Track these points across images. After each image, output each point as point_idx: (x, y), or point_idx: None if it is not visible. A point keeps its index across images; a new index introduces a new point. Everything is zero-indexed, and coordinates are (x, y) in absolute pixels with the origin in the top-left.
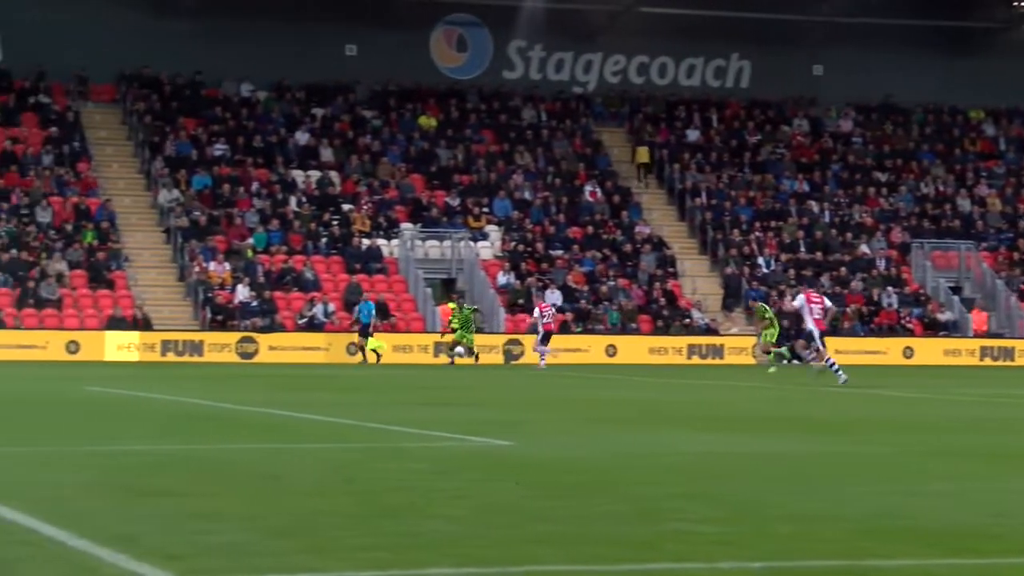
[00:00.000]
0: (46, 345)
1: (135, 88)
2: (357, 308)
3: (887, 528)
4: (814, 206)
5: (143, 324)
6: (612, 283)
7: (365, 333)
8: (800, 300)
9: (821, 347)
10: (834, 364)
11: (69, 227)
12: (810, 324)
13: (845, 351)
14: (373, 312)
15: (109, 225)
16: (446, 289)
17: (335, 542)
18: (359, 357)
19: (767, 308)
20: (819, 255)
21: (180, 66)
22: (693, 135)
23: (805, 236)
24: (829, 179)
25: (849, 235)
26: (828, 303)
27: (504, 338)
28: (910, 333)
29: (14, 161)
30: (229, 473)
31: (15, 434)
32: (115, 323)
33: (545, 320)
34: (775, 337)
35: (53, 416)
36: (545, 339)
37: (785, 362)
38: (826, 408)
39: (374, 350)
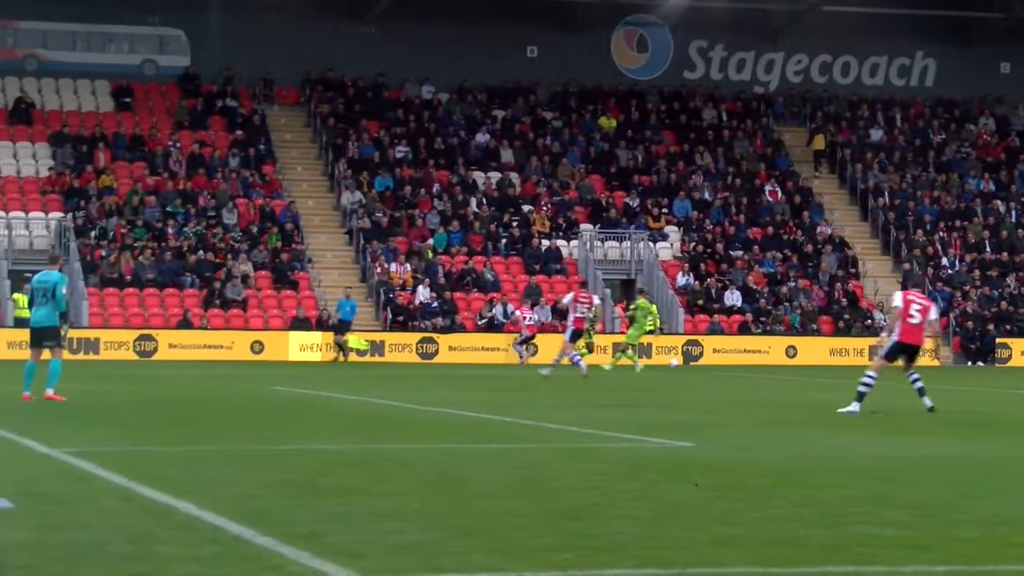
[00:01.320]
0: (232, 345)
1: (319, 91)
2: (337, 305)
3: None
4: (1000, 206)
5: (326, 325)
6: (793, 284)
7: (343, 330)
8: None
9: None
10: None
11: (254, 229)
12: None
13: None
14: (355, 310)
15: (293, 227)
16: (626, 290)
17: (516, 543)
18: (334, 355)
19: None
20: (1005, 255)
21: (363, 69)
22: (876, 134)
23: (991, 236)
24: (1016, 178)
25: None
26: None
27: (683, 339)
28: None
29: (202, 164)
30: (411, 473)
31: (201, 433)
32: (299, 323)
33: (578, 314)
34: None
35: (238, 415)
36: (575, 336)
37: None
38: (1009, 410)
39: (355, 349)
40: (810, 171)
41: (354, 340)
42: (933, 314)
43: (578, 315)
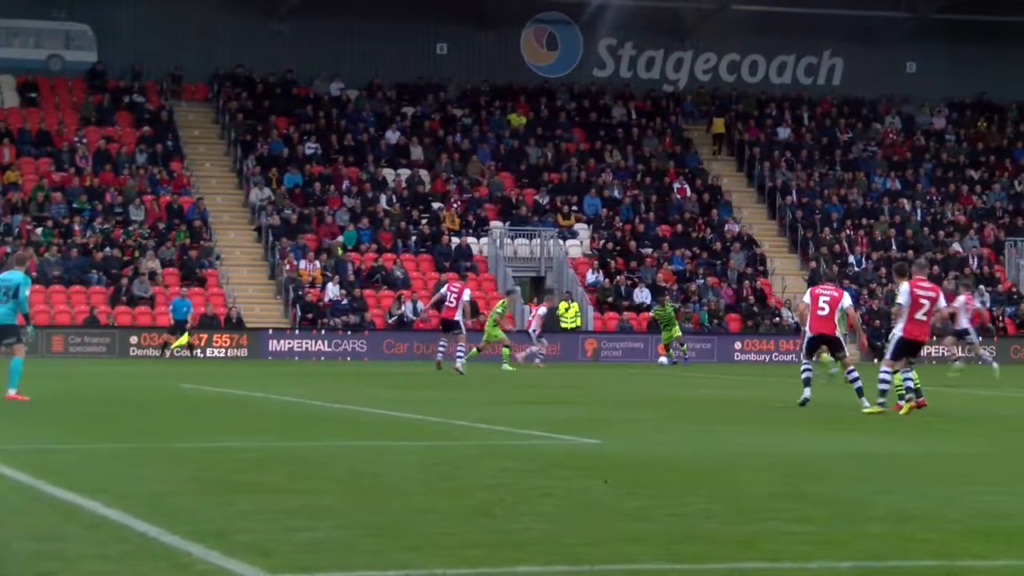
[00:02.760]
0: (139, 342)
1: (228, 87)
2: (172, 305)
3: (985, 529)
4: (906, 204)
5: (235, 322)
6: (702, 281)
7: (179, 330)
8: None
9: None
10: None
11: (162, 225)
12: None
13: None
14: (191, 310)
15: (201, 223)
16: (536, 288)
17: (429, 540)
18: (168, 353)
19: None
20: (910, 253)
21: (272, 65)
22: (784, 133)
23: (897, 234)
24: (922, 177)
25: (942, 233)
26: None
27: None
28: (1003, 332)
29: (108, 160)
30: (323, 470)
31: (110, 431)
32: (207, 321)
33: (449, 304)
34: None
35: (148, 413)
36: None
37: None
38: (928, 407)
39: (179, 346)
40: (719, 168)
41: (183, 339)
42: (847, 301)
43: (448, 306)
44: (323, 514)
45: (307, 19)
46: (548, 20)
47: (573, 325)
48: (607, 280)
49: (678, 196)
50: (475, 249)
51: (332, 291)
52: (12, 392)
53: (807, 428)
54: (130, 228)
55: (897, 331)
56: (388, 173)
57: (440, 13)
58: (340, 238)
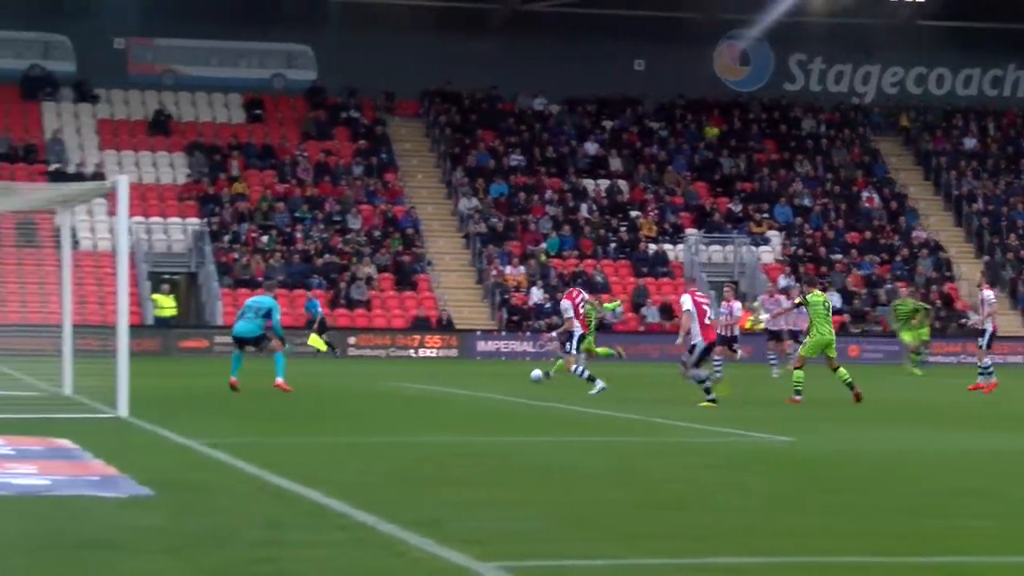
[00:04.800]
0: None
1: (437, 103)
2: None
3: None
4: None
5: (446, 324)
6: (890, 286)
7: (319, 329)
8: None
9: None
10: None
11: (377, 233)
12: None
13: None
14: (320, 310)
15: (414, 231)
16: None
17: (627, 530)
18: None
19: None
20: None
21: (479, 82)
22: (970, 143)
23: None
24: None
25: None
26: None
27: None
28: None
29: (328, 172)
30: (524, 464)
31: (329, 425)
32: (420, 323)
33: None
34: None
35: (362, 409)
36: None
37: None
38: None
39: (316, 348)
40: (908, 178)
41: (314, 340)
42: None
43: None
44: (525, 505)
45: (511, 38)
46: (740, 37)
47: (761, 327)
48: (798, 285)
49: (866, 204)
50: (671, 255)
51: (536, 295)
52: (279, 380)
53: (982, 427)
54: (348, 236)
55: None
56: (588, 183)
57: (637, 31)
58: (543, 245)
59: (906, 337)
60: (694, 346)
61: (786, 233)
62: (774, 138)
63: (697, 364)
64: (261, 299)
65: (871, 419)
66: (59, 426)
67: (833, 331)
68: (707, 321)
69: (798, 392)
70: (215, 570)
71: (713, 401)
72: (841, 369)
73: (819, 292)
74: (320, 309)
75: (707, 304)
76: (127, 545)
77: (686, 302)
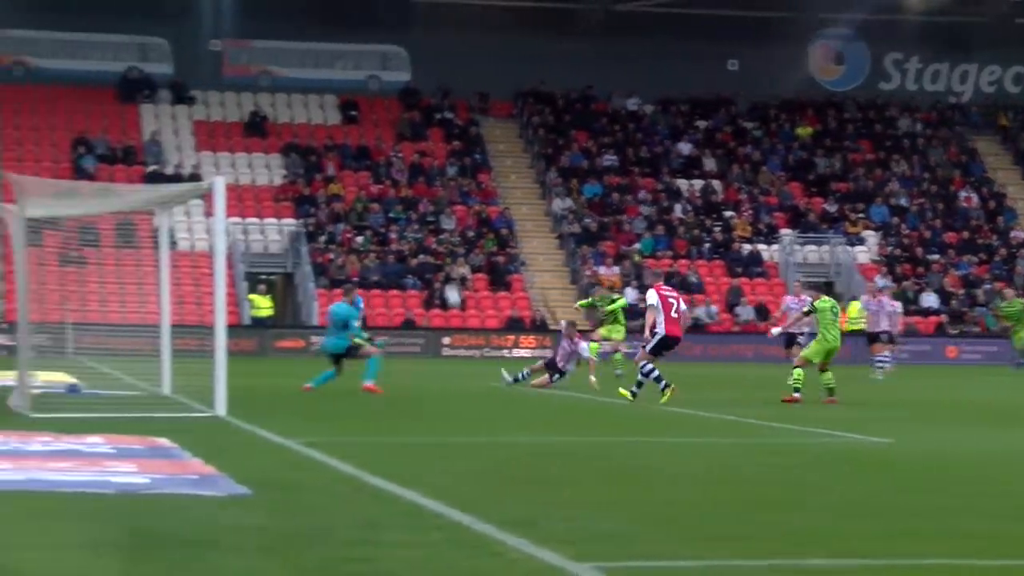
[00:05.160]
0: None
1: (531, 103)
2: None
3: None
4: None
5: (540, 324)
6: (988, 286)
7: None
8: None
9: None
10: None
11: (471, 233)
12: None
13: None
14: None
15: (508, 231)
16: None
17: (719, 532)
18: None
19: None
20: None
21: (572, 82)
22: None
23: None
24: None
25: None
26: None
27: None
28: None
29: (422, 172)
30: (618, 464)
31: (425, 425)
32: (514, 323)
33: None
34: None
35: (457, 410)
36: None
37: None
38: None
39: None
40: (1004, 178)
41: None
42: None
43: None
44: (618, 505)
45: (605, 38)
46: (835, 36)
47: (859, 327)
48: (895, 285)
49: (964, 204)
50: (765, 256)
51: (630, 295)
52: (369, 383)
53: None
54: (442, 236)
55: None
56: (682, 183)
57: (731, 31)
58: (637, 245)
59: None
60: (655, 334)
61: (882, 233)
62: (869, 138)
63: (655, 353)
64: (337, 308)
65: (970, 422)
66: (158, 425)
67: (839, 338)
68: (673, 315)
69: (797, 390)
70: (312, 569)
71: (634, 396)
72: (828, 373)
73: (827, 298)
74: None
75: (674, 298)
76: (225, 543)
77: (651, 297)
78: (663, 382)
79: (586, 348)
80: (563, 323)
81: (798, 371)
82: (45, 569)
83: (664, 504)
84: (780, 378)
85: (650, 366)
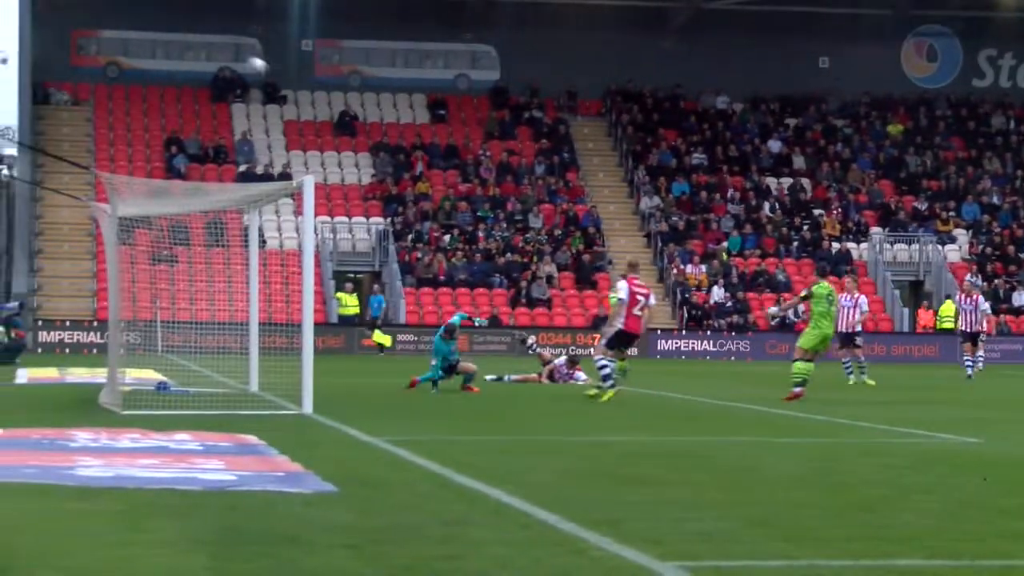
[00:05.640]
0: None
1: (619, 102)
2: (369, 301)
3: None
4: None
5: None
6: None
7: (373, 326)
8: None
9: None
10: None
11: (558, 232)
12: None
13: None
14: (384, 306)
15: (595, 230)
16: (914, 292)
17: (809, 532)
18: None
19: None
20: None
21: (661, 80)
22: None
23: None
24: None
25: None
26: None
27: None
28: None
29: (510, 171)
30: (706, 464)
31: (510, 424)
32: (600, 322)
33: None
34: None
35: (543, 408)
36: (620, 341)
37: None
38: None
39: (379, 344)
40: None
41: (377, 335)
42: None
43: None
44: (706, 505)
45: (694, 36)
46: (928, 33)
47: (948, 326)
48: (986, 284)
49: None
50: (855, 254)
51: (717, 294)
52: (468, 384)
53: None
54: (529, 235)
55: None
56: (771, 181)
57: (822, 28)
58: (725, 243)
59: None
60: (613, 327)
61: (973, 231)
62: (961, 135)
63: (611, 346)
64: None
65: None
66: (245, 422)
67: (834, 326)
68: (636, 312)
69: (797, 385)
70: (398, 566)
71: (598, 389)
72: (811, 364)
73: (826, 283)
74: (384, 305)
75: (643, 294)
76: (311, 540)
77: (622, 290)
78: (610, 381)
79: (582, 378)
80: (563, 359)
81: (798, 364)
82: (134, 566)
83: (754, 504)
84: (879, 377)
85: (604, 361)
